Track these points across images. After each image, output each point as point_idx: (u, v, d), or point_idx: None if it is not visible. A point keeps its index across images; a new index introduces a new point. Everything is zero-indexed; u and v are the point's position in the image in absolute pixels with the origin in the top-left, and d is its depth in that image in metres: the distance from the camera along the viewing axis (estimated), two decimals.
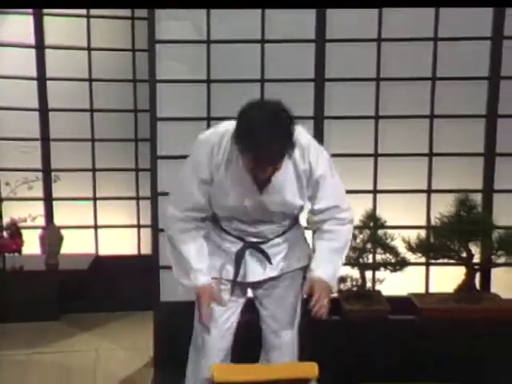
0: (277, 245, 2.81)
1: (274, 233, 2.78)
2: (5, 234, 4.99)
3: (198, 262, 2.69)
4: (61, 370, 4.02)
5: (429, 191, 4.09)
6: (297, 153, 2.55)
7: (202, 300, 2.68)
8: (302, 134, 2.61)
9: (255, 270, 2.80)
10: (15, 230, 4.96)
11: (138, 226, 5.29)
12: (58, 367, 4.06)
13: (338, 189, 2.74)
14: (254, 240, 2.77)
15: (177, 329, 3.34)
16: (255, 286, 2.88)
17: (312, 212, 2.75)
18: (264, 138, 2.31)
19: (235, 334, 2.85)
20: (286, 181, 2.59)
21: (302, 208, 2.76)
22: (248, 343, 2.87)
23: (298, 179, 2.62)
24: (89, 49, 5.11)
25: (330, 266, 2.69)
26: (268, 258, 2.79)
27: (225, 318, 2.80)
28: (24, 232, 5.00)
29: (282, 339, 2.83)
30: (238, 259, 2.78)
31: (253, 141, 2.34)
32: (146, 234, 4.88)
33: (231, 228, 2.77)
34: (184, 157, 3.86)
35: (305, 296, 2.70)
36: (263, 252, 2.78)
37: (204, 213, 2.72)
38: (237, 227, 2.75)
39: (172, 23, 3.86)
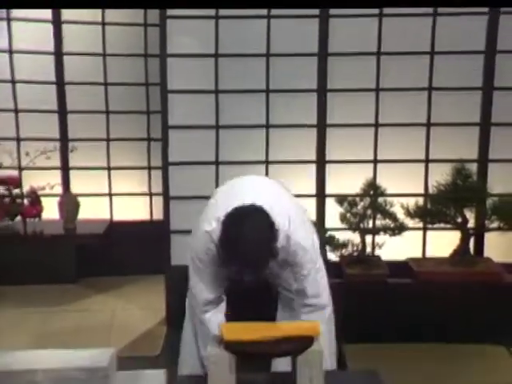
0: None
1: None
2: (25, 201, 5.01)
3: None
4: (79, 328, 4.06)
5: (427, 161, 4.08)
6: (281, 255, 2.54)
7: None
8: (293, 236, 2.57)
9: None
10: (35, 198, 4.99)
11: (150, 194, 5.28)
12: (76, 325, 4.10)
13: (311, 280, 2.67)
14: None
15: (186, 291, 3.34)
16: None
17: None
18: (246, 259, 2.32)
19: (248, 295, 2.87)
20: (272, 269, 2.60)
21: None
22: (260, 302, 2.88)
23: (281, 264, 2.62)
24: (103, 23, 5.05)
25: None
26: None
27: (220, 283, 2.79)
28: (43, 199, 5.03)
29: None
30: None
31: (237, 261, 2.35)
32: (158, 201, 4.87)
33: None
34: (193, 127, 3.88)
35: None
36: None
37: (223, 285, 2.70)
38: None
39: None
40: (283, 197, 2.78)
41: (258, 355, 2.17)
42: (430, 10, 3.87)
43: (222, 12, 3.86)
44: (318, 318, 2.62)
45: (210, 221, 2.55)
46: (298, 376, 2.04)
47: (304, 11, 3.84)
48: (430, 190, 4.01)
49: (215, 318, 2.66)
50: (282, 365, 2.72)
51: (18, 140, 5.09)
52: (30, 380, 1.89)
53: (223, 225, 2.39)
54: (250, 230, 2.34)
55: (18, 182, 5.00)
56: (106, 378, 1.93)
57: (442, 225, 3.92)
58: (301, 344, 2.06)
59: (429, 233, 4.12)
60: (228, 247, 2.36)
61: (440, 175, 3.90)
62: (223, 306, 2.72)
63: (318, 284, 2.72)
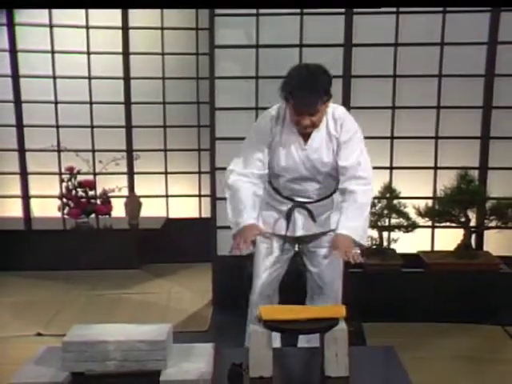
0: (321, 206, 2.68)
1: (318, 194, 2.66)
2: (98, 201, 5.07)
3: (251, 210, 2.55)
4: (142, 306, 4.09)
5: (435, 168, 4.01)
6: (331, 123, 2.56)
7: (246, 235, 2.49)
8: (339, 108, 2.63)
9: (302, 226, 2.68)
10: (106, 198, 5.05)
11: (200, 195, 5.30)
12: (140, 304, 4.13)
13: (360, 153, 2.58)
14: (302, 200, 2.67)
15: (229, 276, 3.36)
16: (303, 242, 2.77)
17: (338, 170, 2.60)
18: (302, 83, 2.42)
19: (283, 281, 2.81)
20: (322, 142, 2.56)
21: (336, 171, 2.61)
22: (294, 289, 2.83)
23: (331, 143, 2.56)
24: (162, 54, 5.11)
25: (351, 221, 2.49)
26: (313, 217, 2.67)
27: (275, 268, 2.75)
28: (112, 200, 5.09)
29: (326, 293, 2.75)
30: (288, 216, 2.67)
31: (293, 86, 2.43)
32: (206, 201, 4.88)
33: (283, 187, 2.66)
34: (237, 139, 3.85)
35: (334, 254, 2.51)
36: (309, 211, 2.67)
37: (261, 170, 2.60)
38: (287, 186, 2.65)
39: (228, 31, 3.84)
40: None
41: (292, 332, 2.14)
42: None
43: (262, 41, 3.85)
44: (369, 189, 2.56)
45: (270, 110, 2.65)
46: (325, 351, 2.01)
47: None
48: (438, 193, 3.94)
49: (241, 183, 2.57)
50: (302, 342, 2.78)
51: (93, 151, 5.16)
52: (103, 349, 1.91)
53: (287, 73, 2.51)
54: (308, 67, 2.50)
55: (92, 185, 5.07)
56: (164, 350, 1.94)
57: (448, 223, 3.86)
58: (328, 323, 2.03)
59: (436, 230, 4.06)
60: (288, 82, 2.45)
61: (447, 180, 3.84)
62: (253, 184, 2.59)
63: (369, 165, 2.60)
